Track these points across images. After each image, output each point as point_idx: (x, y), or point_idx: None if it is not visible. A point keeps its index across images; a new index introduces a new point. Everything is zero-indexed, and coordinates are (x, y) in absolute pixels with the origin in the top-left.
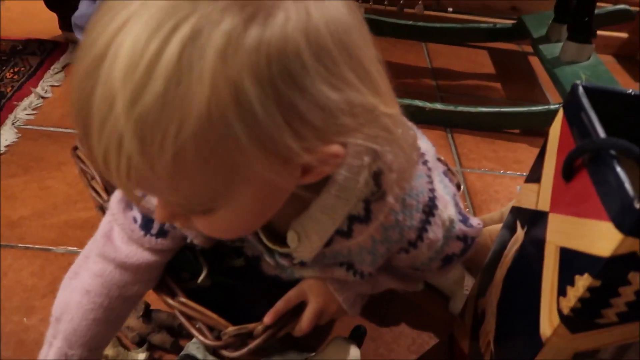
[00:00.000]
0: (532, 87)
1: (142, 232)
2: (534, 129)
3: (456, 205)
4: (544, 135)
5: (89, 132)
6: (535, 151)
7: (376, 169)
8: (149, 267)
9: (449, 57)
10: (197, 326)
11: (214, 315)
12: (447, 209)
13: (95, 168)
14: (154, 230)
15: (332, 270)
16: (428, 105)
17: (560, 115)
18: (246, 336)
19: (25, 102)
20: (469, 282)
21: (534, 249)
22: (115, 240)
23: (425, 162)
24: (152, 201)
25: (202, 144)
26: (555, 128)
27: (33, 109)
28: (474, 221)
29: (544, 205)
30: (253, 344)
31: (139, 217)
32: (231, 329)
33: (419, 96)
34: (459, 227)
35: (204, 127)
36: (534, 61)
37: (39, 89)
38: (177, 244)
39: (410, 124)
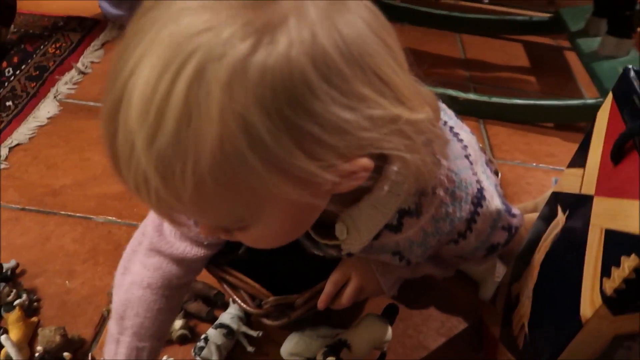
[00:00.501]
0: (567, 81)
1: (197, 229)
2: (568, 123)
3: (500, 195)
4: (578, 129)
5: (119, 169)
6: (569, 145)
7: (420, 187)
8: (204, 259)
9: (483, 49)
10: (239, 294)
11: (257, 285)
12: (494, 199)
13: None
14: None
15: (379, 255)
16: (462, 95)
17: (609, 99)
18: (286, 306)
19: (67, 76)
20: (500, 270)
21: (576, 232)
22: (168, 236)
23: (467, 156)
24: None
25: (219, 175)
26: (604, 112)
27: (74, 84)
28: (516, 210)
29: (588, 189)
30: (294, 315)
31: None
32: (272, 298)
33: (452, 86)
34: (504, 217)
35: (218, 161)
36: (570, 55)
37: (79, 65)
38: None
39: (450, 113)
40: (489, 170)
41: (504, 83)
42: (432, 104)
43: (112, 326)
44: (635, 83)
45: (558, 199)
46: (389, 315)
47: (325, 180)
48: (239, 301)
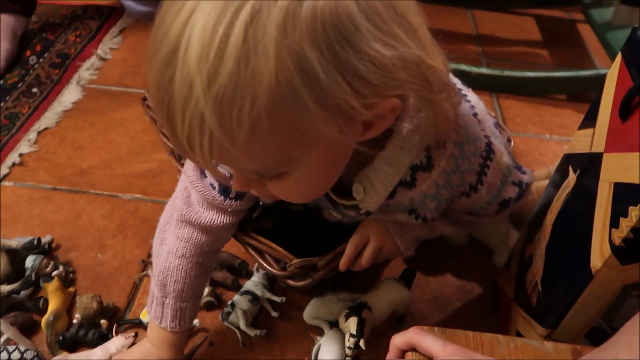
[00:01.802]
0: (580, 53)
1: (222, 197)
2: (581, 94)
3: (509, 153)
4: (591, 100)
5: (172, 116)
6: (582, 116)
7: (431, 141)
8: (230, 227)
9: (495, 24)
10: (265, 258)
11: (280, 249)
12: (503, 156)
13: (177, 149)
14: (232, 194)
15: (395, 215)
16: (474, 69)
17: (618, 59)
18: (309, 268)
19: (88, 63)
20: (513, 236)
21: (586, 189)
22: (195, 206)
23: (475, 115)
24: (226, 170)
25: (274, 113)
26: (613, 72)
27: (95, 70)
28: (527, 169)
29: (598, 146)
30: (316, 276)
31: (215, 183)
32: (296, 260)
33: (464, 61)
34: (514, 173)
35: (274, 98)
36: (582, 28)
37: (99, 51)
38: (252, 202)
39: (457, 80)
40: (497, 132)
41: (516, 57)
42: (443, 59)
43: (155, 290)
44: None
45: (569, 160)
46: (406, 278)
47: (365, 118)
48: (265, 264)
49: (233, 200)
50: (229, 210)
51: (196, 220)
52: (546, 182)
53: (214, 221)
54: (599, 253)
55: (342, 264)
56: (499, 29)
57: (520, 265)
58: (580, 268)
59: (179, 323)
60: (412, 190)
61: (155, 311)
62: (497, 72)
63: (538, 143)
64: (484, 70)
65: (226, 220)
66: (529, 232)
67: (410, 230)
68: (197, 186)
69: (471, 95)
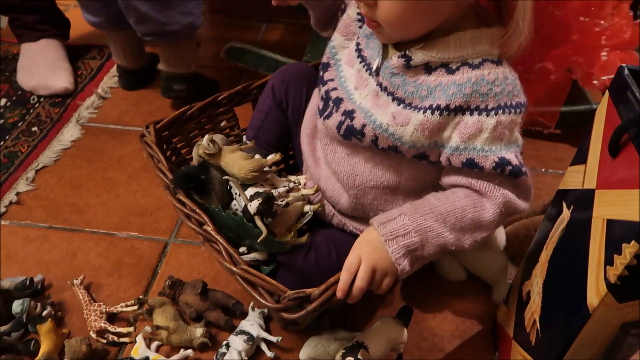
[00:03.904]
0: (573, 86)
1: None
2: (575, 128)
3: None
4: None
5: None
6: (576, 150)
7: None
8: None
9: None
10: (258, 292)
11: (274, 282)
12: (517, 126)
13: None
14: None
15: (390, 104)
16: None
17: (606, 97)
18: (303, 300)
19: (88, 101)
20: (512, 272)
21: (580, 225)
22: None
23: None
24: None
25: None
26: (602, 110)
27: (95, 108)
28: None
29: (590, 183)
30: (311, 306)
31: None
32: (290, 292)
33: None
34: (517, 152)
35: None
36: None
37: (99, 90)
38: None
39: None
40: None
41: None
42: None
43: None
44: (629, 80)
45: (563, 196)
46: (403, 316)
47: None
48: (258, 297)
49: None
50: None
51: None
52: (542, 217)
53: None
54: (595, 290)
55: (339, 290)
56: None
57: (518, 302)
58: (577, 305)
59: None
60: (449, 76)
61: None
62: None
63: (534, 177)
64: None
65: None
66: (526, 268)
67: (400, 234)
68: None
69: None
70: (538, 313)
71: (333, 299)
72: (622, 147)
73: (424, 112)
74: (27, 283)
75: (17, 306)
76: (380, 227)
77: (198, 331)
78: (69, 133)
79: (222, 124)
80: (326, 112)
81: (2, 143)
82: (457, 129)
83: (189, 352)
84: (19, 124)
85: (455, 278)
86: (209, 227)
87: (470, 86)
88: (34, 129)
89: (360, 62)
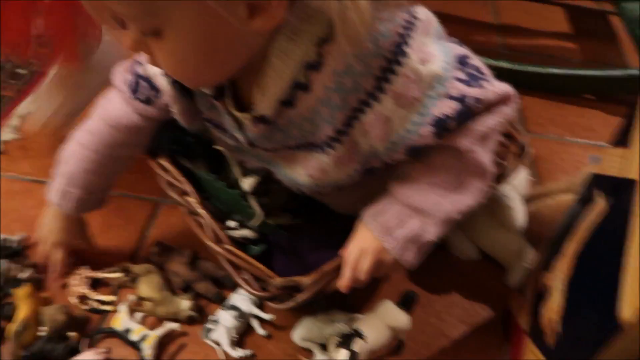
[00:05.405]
0: (610, 49)
1: (131, 95)
2: (610, 95)
3: (461, 64)
4: (621, 102)
5: None
6: (610, 119)
7: (323, 34)
8: (137, 130)
9: (519, 13)
10: (242, 276)
11: (261, 266)
12: (431, 62)
13: None
14: (141, 96)
15: (295, 154)
16: (492, 62)
17: None
18: (293, 289)
19: None
20: (530, 255)
21: (617, 221)
22: (114, 102)
23: (414, 17)
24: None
25: None
26: None
27: None
28: (492, 85)
29: (632, 172)
30: (300, 298)
31: (132, 80)
32: (278, 280)
33: (481, 53)
34: (453, 84)
35: None
36: (615, 21)
37: None
38: (162, 115)
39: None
40: (451, 44)
41: (541, 50)
42: None
43: (58, 166)
44: None
45: (596, 182)
46: (406, 303)
47: None
48: (243, 283)
49: (141, 103)
50: (137, 111)
51: (106, 115)
52: (566, 196)
53: (122, 117)
54: (630, 302)
55: (343, 287)
56: (522, 19)
57: (536, 293)
58: (607, 315)
59: (65, 205)
60: (310, 95)
61: (51, 184)
62: (517, 67)
63: (559, 147)
64: (503, 64)
65: (134, 121)
66: (547, 256)
67: (394, 223)
68: (115, 79)
69: (422, 12)
70: (559, 314)
71: (326, 289)
72: None
73: (323, 151)
74: (2, 243)
75: None
76: (372, 222)
77: (185, 303)
78: None
79: None
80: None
81: None
82: (366, 136)
83: (175, 325)
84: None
85: (467, 257)
86: (192, 199)
87: (334, 91)
88: (21, 71)
89: (227, 136)
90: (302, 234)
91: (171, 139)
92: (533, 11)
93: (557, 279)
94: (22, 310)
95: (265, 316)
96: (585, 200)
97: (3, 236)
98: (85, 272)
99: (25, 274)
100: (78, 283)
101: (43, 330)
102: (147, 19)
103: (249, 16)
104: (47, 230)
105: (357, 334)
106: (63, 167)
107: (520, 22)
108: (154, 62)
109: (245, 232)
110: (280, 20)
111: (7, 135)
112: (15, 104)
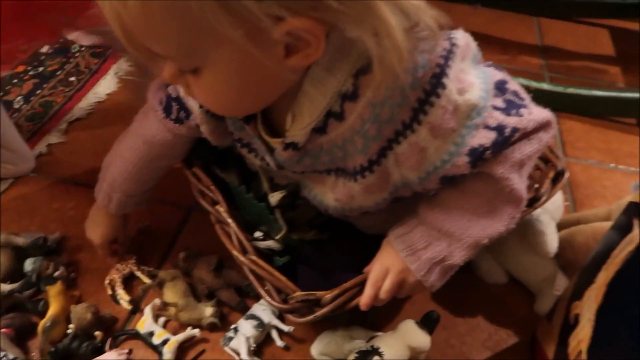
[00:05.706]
0: None
1: (163, 115)
2: None
3: (499, 90)
4: None
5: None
6: None
7: (360, 66)
8: (171, 146)
9: (563, 34)
10: (265, 287)
11: (283, 278)
12: (468, 92)
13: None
14: (173, 116)
15: (324, 177)
16: (533, 84)
17: None
18: (313, 303)
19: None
20: (560, 282)
21: None
22: (149, 119)
23: (453, 44)
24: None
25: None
26: None
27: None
28: (530, 113)
29: None
30: (320, 312)
31: (164, 100)
32: (298, 294)
33: (524, 74)
34: (490, 114)
35: None
36: None
37: None
38: (192, 133)
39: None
40: (489, 70)
41: (584, 73)
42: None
43: (102, 169)
44: None
45: (636, 211)
46: (428, 323)
47: (278, 35)
48: (264, 294)
49: (172, 122)
50: (169, 130)
51: (142, 132)
52: (605, 224)
53: (156, 135)
54: None
55: (363, 305)
56: (566, 40)
57: (564, 322)
58: (635, 349)
59: (108, 206)
60: (343, 123)
61: (97, 185)
62: (559, 89)
63: (601, 173)
64: (545, 86)
65: (167, 139)
66: (578, 284)
67: (421, 250)
68: (149, 98)
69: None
70: (586, 343)
71: (346, 306)
72: None
73: (354, 179)
74: (41, 242)
75: (28, 265)
76: (398, 242)
77: (208, 310)
78: (106, 86)
79: None
80: None
81: (39, 92)
82: (399, 166)
83: (196, 331)
84: (58, 73)
85: (494, 281)
86: (222, 208)
87: (370, 122)
88: (72, 79)
89: (256, 157)
90: (327, 249)
91: (208, 148)
92: (578, 32)
93: (588, 309)
94: (53, 307)
95: (285, 328)
96: (623, 228)
97: (42, 235)
98: (129, 264)
99: (58, 272)
100: (114, 271)
101: (71, 328)
102: (186, 60)
103: (285, 56)
104: (94, 224)
105: (376, 352)
106: (105, 173)
107: (564, 44)
108: (190, 94)
109: (270, 244)
110: (317, 58)
111: (54, 138)
112: (65, 110)
